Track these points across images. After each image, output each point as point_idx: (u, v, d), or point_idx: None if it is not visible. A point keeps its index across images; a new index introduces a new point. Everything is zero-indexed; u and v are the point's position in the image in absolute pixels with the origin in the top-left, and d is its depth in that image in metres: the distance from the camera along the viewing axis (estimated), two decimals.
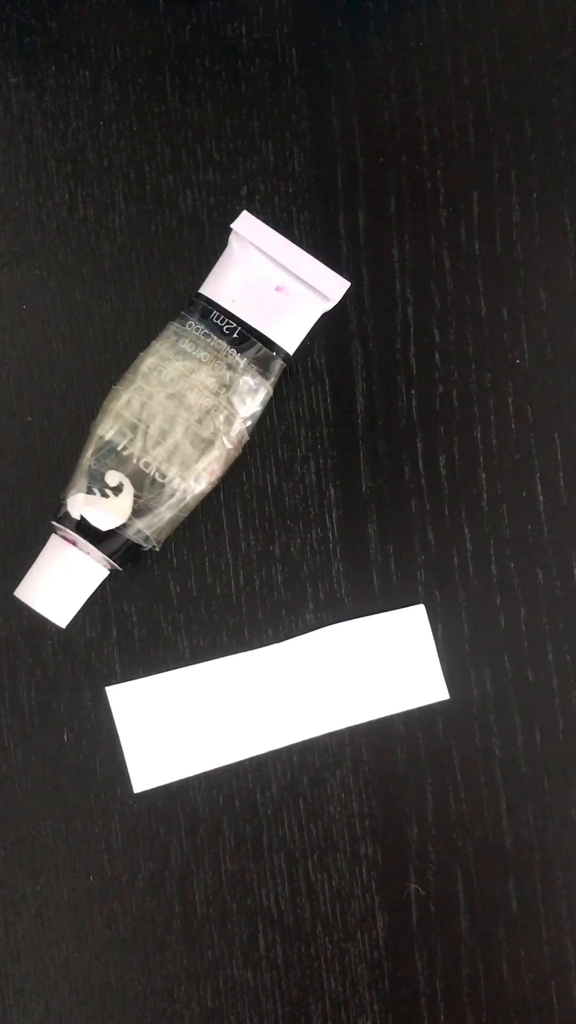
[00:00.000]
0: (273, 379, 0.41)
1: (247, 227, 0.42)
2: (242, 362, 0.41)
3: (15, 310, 0.44)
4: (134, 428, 0.40)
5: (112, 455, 0.40)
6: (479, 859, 0.42)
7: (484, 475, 0.43)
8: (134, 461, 0.40)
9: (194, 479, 0.40)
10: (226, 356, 0.41)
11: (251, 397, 0.41)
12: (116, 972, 0.42)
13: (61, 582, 0.40)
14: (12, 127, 0.44)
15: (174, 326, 0.41)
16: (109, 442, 0.40)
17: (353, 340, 0.44)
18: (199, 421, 0.40)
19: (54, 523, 0.40)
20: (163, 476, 0.40)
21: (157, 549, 0.41)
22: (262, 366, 0.41)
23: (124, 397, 0.40)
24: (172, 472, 0.40)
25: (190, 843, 0.42)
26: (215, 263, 0.43)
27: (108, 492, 0.40)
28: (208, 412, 0.40)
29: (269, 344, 0.41)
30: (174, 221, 0.44)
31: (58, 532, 0.40)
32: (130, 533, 0.40)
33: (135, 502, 0.40)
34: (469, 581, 0.43)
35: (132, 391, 0.40)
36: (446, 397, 0.43)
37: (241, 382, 0.41)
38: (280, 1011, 0.42)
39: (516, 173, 0.44)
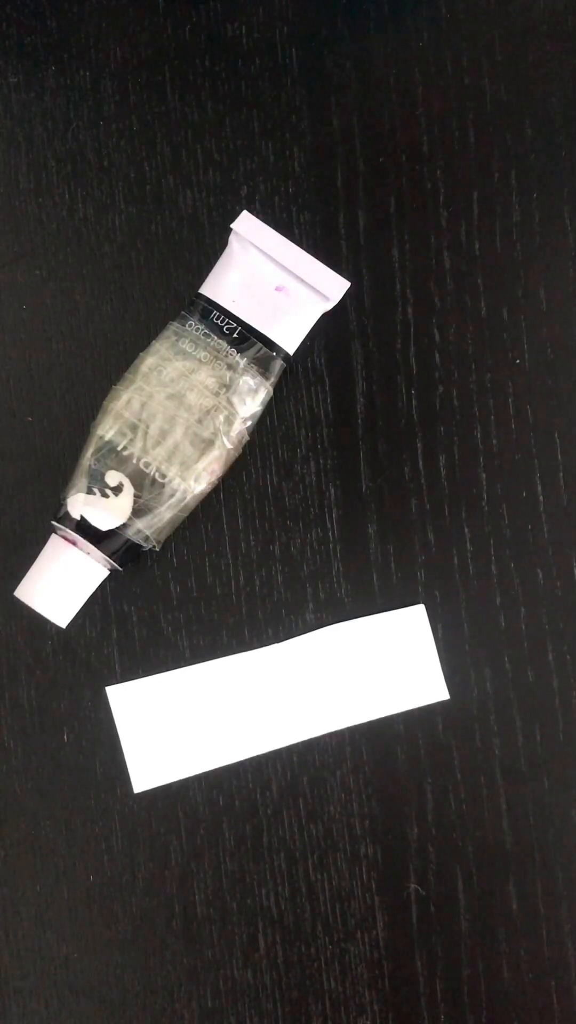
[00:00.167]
0: (273, 379, 0.41)
1: (247, 227, 0.42)
2: (242, 362, 0.41)
3: (15, 310, 0.44)
4: (134, 428, 0.40)
5: (112, 455, 0.40)
6: (479, 859, 0.42)
7: (484, 475, 0.43)
8: (134, 461, 0.40)
9: (194, 479, 0.40)
10: (226, 356, 0.41)
11: (251, 397, 0.41)
12: (116, 972, 0.42)
13: (61, 582, 0.40)
14: (12, 127, 0.44)
15: (174, 326, 0.41)
16: (109, 442, 0.40)
17: (353, 340, 0.44)
18: (199, 421, 0.40)
19: (54, 523, 0.40)
20: (163, 476, 0.40)
21: (157, 549, 0.41)
22: (262, 366, 0.41)
23: (124, 397, 0.40)
24: (172, 472, 0.40)
25: (190, 843, 0.42)
26: (215, 263, 0.43)
27: (108, 492, 0.40)
28: (208, 412, 0.40)
29: (269, 344, 0.41)
30: (174, 221, 0.44)
31: (58, 532, 0.40)
32: (130, 533, 0.40)
33: (135, 502, 0.40)
34: (469, 581, 0.43)
35: (132, 391, 0.40)
36: (446, 397, 0.43)
37: (241, 382, 0.41)
38: (280, 1011, 0.42)
39: (516, 173, 0.44)
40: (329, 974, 0.42)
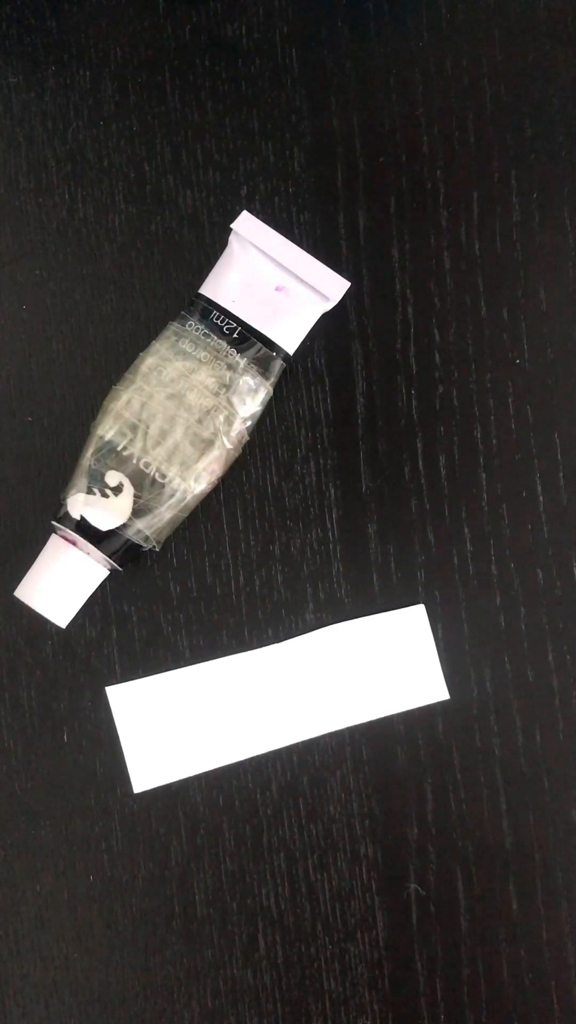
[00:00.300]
0: (273, 379, 0.41)
1: (247, 227, 0.42)
2: (242, 362, 0.41)
3: (15, 310, 0.44)
4: (134, 428, 0.40)
5: (112, 455, 0.40)
6: (479, 859, 0.42)
7: (484, 475, 0.43)
8: (134, 461, 0.40)
9: (194, 479, 0.40)
10: (226, 356, 0.41)
11: (251, 397, 0.41)
12: (116, 972, 0.42)
13: (61, 582, 0.40)
14: (12, 127, 0.44)
15: (174, 326, 0.41)
16: (109, 442, 0.40)
17: (353, 340, 0.44)
18: (199, 421, 0.40)
19: (54, 523, 0.40)
20: (163, 476, 0.40)
21: (157, 549, 0.41)
22: (262, 366, 0.41)
23: (124, 397, 0.40)
24: (172, 472, 0.40)
25: (190, 843, 0.42)
26: (215, 263, 0.43)
27: (108, 492, 0.40)
28: (208, 412, 0.40)
29: (269, 344, 0.41)
30: (174, 221, 0.44)
31: (58, 532, 0.40)
32: (130, 533, 0.40)
33: (135, 502, 0.40)
34: (469, 581, 0.43)
35: (132, 391, 0.40)
36: (446, 397, 0.43)
37: (241, 382, 0.41)
38: (280, 1011, 0.42)
39: (516, 173, 0.44)
40: (329, 974, 0.42)
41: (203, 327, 0.41)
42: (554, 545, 0.43)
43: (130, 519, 0.40)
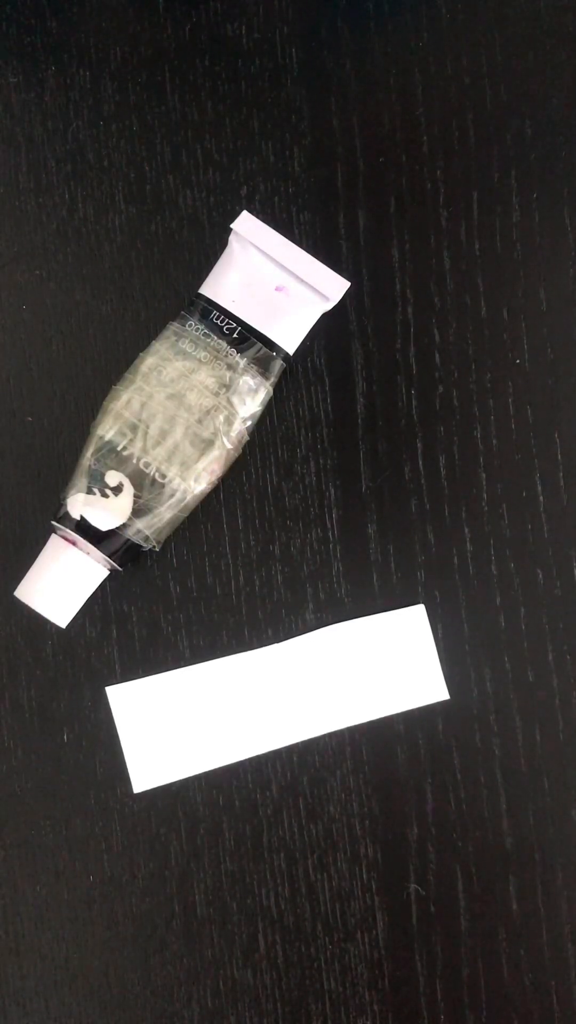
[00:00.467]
0: (273, 379, 0.41)
1: (247, 227, 0.42)
2: (242, 362, 0.41)
3: (15, 310, 0.44)
4: (134, 428, 0.40)
5: (112, 455, 0.40)
6: (479, 859, 0.42)
7: (484, 475, 0.43)
8: (134, 461, 0.40)
9: (194, 479, 0.40)
10: (226, 356, 0.41)
11: (251, 397, 0.41)
12: (116, 972, 0.42)
13: (61, 582, 0.40)
14: (12, 127, 0.44)
15: (174, 326, 0.41)
16: (109, 442, 0.40)
17: (353, 340, 0.44)
18: (199, 421, 0.40)
19: (54, 523, 0.40)
20: (163, 476, 0.40)
21: (157, 549, 0.41)
22: (262, 366, 0.41)
23: (124, 397, 0.40)
24: (172, 472, 0.40)
25: (190, 843, 0.42)
26: (215, 263, 0.43)
27: (108, 492, 0.40)
28: (208, 412, 0.40)
29: (269, 344, 0.41)
30: (174, 221, 0.44)
31: (58, 532, 0.40)
32: (130, 533, 0.40)
33: (135, 502, 0.40)
34: (469, 581, 0.43)
35: (132, 391, 0.40)
36: (446, 397, 0.43)
37: (241, 382, 0.41)
38: (280, 1011, 0.42)
39: (516, 173, 0.44)
40: (329, 974, 0.42)
41: (203, 327, 0.41)
42: (554, 545, 0.43)
43: (130, 519, 0.40)
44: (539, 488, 0.43)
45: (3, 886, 0.42)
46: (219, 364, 0.41)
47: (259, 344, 0.41)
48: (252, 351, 0.41)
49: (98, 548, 0.40)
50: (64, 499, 0.40)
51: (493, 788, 0.42)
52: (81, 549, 0.40)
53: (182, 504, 0.40)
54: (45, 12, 0.45)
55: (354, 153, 0.44)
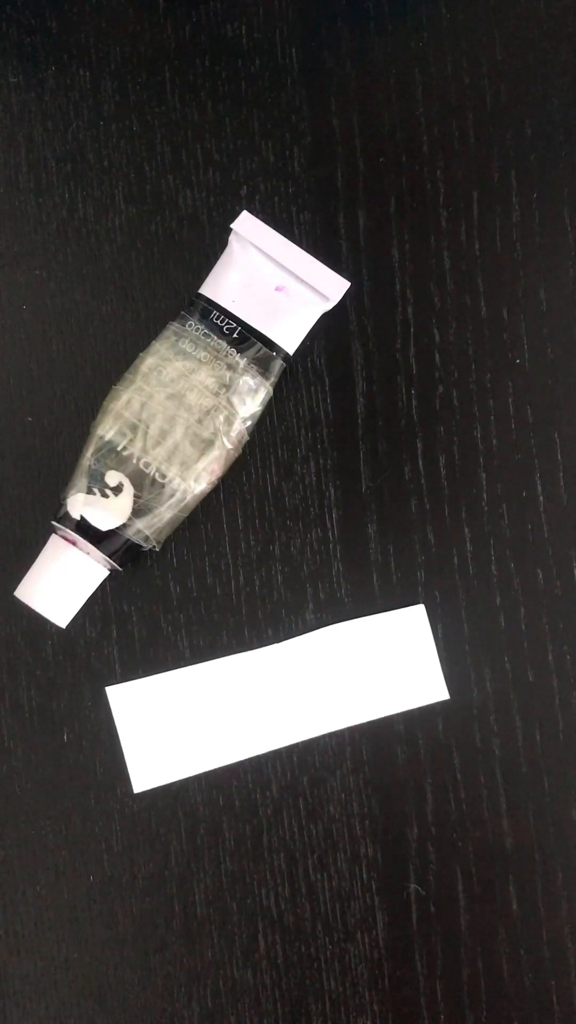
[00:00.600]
0: (273, 379, 0.41)
1: (247, 227, 0.42)
2: (242, 362, 0.41)
3: (15, 310, 0.44)
4: (134, 428, 0.40)
5: (112, 455, 0.40)
6: (479, 859, 0.42)
7: (484, 475, 0.43)
8: (134, 461, 0.40)
9: (194, 479, 0.40)
10: (226, 356, 0.41)
11: (251, 397, 0.41)
12: (116, 972, 0.42)
13: (61, 582, 0.40)
14: (12, 127, 0.44)
15: (174, 326, 0.41)
16: (109, 442, 0.40)
17: (353, 340, 0.44)
18: (199, 421, 0.40)
19: (54, 523, 0.40)
20: (163, 476, 0.40)
21: (157, 549, 0.41)
22: (262, 366, 0.41)
23: (124, 397, 0.40)
24: (172, 472, 0.40)
25: (190, 843, 0.42)
26: (215, 263, 0.43)
27: (108, 492, 0.40)
28: (208, 412, 0.40)
29: (269, 344, 0.41)
30: (174, 221, 0.44)
31: (58, 532, 0.40)
32: (130, 533, 0.40)
33: (135, 502, 0.40)
34: (469, 581, 0.43)
35: (132, 391, 0.40)
36: (446, 397, 0.43)
37: (241, 382, 0.41)
38: (280, 1011, 0.42)
39: (516, 173, 0.44)
40: (329, 974, 0.42)
41: (203, 327, 0.41)
42: (554, 545, 0.43)
43: (130, 519, 0.40)
44: (539, 488, 0.43)
45: (3, 886, 0.42)
46: (219, 364, 0.41)
47: (259, 344, 0.41)
48: (252, 351, 0.41)
49: (98, 548, 0.40)
50: (64, 499, 0.40)
51: (493, 788, 0.42)
52: (81, 549, 0.40)
53: (182, 504, 0.40)
54: (45, 12, 0.45)
55: (354, 153, 0.44)
